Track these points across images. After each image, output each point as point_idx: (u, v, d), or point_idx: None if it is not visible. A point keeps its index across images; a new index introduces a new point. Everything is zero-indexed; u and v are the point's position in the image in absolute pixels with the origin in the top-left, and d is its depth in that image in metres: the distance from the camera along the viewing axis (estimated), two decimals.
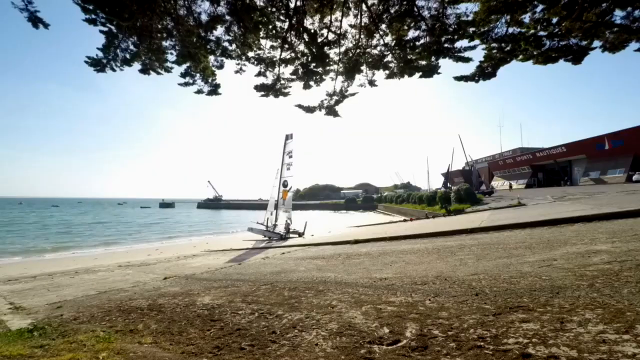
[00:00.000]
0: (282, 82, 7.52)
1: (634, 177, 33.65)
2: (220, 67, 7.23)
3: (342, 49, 7.16)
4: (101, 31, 5.99)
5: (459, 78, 7.10)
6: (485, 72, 6.84)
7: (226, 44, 6.76)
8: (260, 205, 70.77)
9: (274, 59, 7.20)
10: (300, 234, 23.71)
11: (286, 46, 6.93)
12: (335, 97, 7.79)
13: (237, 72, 7.22)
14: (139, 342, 3.00)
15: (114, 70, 6.54)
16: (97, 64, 6.39)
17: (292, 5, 6.38)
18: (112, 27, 5.97)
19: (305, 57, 7.07)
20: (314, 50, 6.86)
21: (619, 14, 5.59)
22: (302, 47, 6.99)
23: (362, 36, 6.94)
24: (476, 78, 6.95)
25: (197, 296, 4.63)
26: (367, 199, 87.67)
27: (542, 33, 6.16)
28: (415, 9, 6.28)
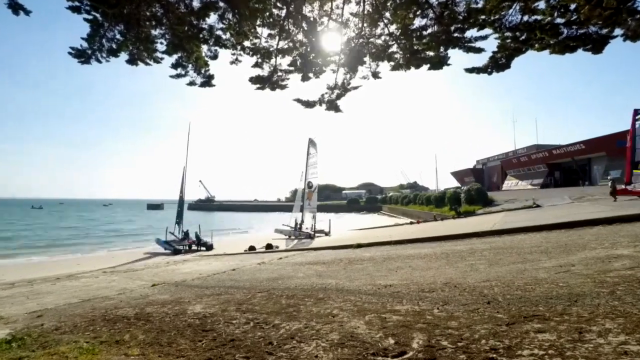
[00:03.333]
0: (279, 74, 7.51)
1: None
2: (214, 57, 7.23)
3: (344, 38, 7.15)
4: (85, 19, 5.98)
5: (470, 70, 7.09)
6: (498, 63, 6.83)
7: (220, 32, 6.75)
8: (257, 207, 70.88)
9: (271, 49, 7.19)
10: (327, 233, 25.04)
11: (284, 35, 6.92)
12: (336, 91, 7.78)
13: (232, 62, 7.21)
14: (125, 354, 2.99)
15: (99, 61, 6.53)
16: (82, 55, 6.38)
17: None
18: (98, 15, 5.96)
19: (304, 47, 7.06)
20: (313, 39, 6.85)
21: None
22: (300, 37, 6.97)
23: (365, 25, 6.93)
24: (489, 70, 6.93)
25: (187, 304, 4.62)
26: (370, 199, 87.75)
27: (559, 20, 6.15)
28: None
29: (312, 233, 25.04)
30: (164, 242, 23.07)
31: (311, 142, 27.52)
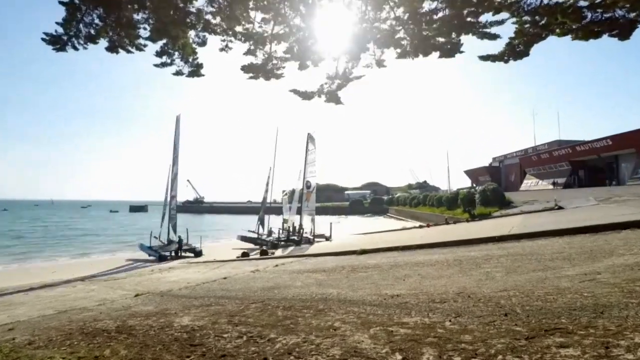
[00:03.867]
0: (274, 62, 7.51)
1: None
2: (203, 44, 7.22)
3: (346, 23, 7.15)
4: (61, 2, 5.97)
5: (485, 58, 7.09)
6: (516, 50, 6.83)
7: (209, 16, 6.75)
8: (250, 209, 70.81)
9: (265, 35, 7.19)
10: (327, 238, 25.01)
11: (279, 19, 6.92)
12: (337, 81, 7.78)
13: (222, 49, 7.21)
14: None
15: (76, 48, 6.53)
16: (57, 42, 6.37)
17: None
18: None
19: (302, 33, 7.06)
20: (311, 24, 6.84)
21: None
22: (297, 21, 6.97)
23: (368, 8, 6.92)
24: (505, 58, 6.93)
25: (174, 316, 4.62)
26: (375, 200, 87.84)
27: (582, 3, 6.15)
28: None
29: (312, 238, 25.05)
30: (148, 248, 23.08)
31: (310, 138, 27.42)
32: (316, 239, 25.10)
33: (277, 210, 34.64)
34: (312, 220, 26.54)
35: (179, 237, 23.96)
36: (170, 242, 23.91)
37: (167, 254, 22.54)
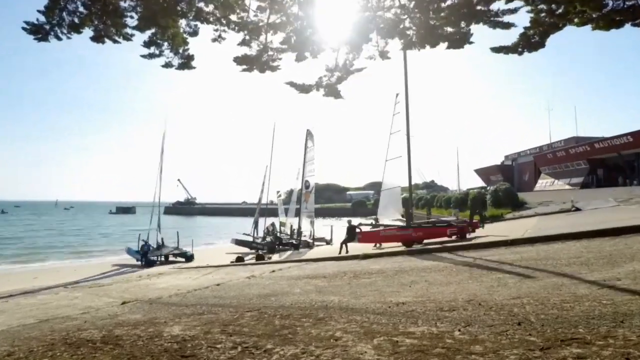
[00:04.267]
0: (270, 53, 7.50)
1: None
2: (194, 34, 7.22)
3: (347, 11, 7.14)
4: None
5: (497, 49, 7.09)
6: (531, 41, 6.82)
7: (202, 4, 6.75)
8: (246, 211, 70.95)
9: (260, 24, 7.18)
10: (328, 242, 25.10)
11: (275, 7, 6.91)
12: (337, 73, 7.78)
13: (215, 40, 7.21)
14: None
15: (59, 38, 6.53)
16: (38, 31, 6.37)
17: None
18: None
19: (300, 22, 7.05)
20: (310, 12, 6.84)
21: None
22: (295, 9, 6.96)
23: None
24: (519, 49, 6.93)
25: (164, 325, 4.62)
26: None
27: None
28: None
29: (311, 242, 25.03)
30: (136, 252, 23.09)
31: (309, 134, 27.40)
32: (316, 243, 25.09)
33: (274, 212, 34.69)
34: (312, 223, 26.45)
35: (161, 239, 24.24)
36: (160, 246, 23.91)
37: (155, 258, 22.55)
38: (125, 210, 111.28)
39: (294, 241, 25.37)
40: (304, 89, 7.86)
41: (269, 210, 31.86)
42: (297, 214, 28.02)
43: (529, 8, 6.53)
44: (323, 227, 30.94)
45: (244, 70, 7.68)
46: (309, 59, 7.48)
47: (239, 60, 7.49)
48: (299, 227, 26.30)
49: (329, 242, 25.49)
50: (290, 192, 35.40)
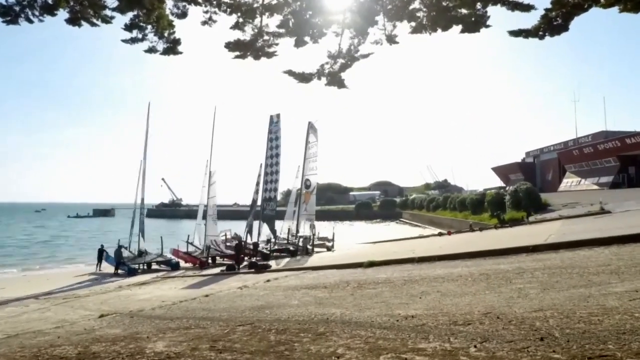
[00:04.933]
0: (266, 37, 7.49)
1: None
2: (182, 15, 7.21)
3: None
4: None
5: (516, 33, 7.07)
6: (553, 24, 6.80)
7: None
8: (237, 214, 71.04)
9: (255, 5, 7.17)
10: (329, 248, 25.14)
11: None
12: (340, 60, 7.76)
13: (204, 23, 7.20)
14: None
15: (30, 21, 6.52)
16: (7, 13, 6.36)
17: None
18: None
19: (298, 3, 7.04)
20: None
21: None
22: None
23: None
24: (540, 33, 6.91)
25: (146, 341, 4.63)
26: (386, 203, 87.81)
27: None
28: None
29: (310, 248, 24.99)
30: (115, 260, 23.10)
31: (311, 128, 26.78)
32: (315, 249, 25.05)
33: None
34: (312, 227, 26.28)
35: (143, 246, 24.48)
36: (141, 252, 23.93)
37: (137, 266, 22.58)
38: (104, 212, 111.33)
39: (291, 247, 25.35)
40: (303, 77, 7.84)
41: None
42: (295, 216, 27.87)
43: None
44: (324, 229, 30.94)
45: (236, 57, 7.66)
46: (309, 45, 7.46)
47: (231, 45, 7.48)
48: (297, 231, 26.26)
49: (330, 248, 25.38)
50: (288, 193, 35.36)
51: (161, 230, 36.26)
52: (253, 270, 14.97)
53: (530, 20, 7.02)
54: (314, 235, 25.96)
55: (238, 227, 33.37)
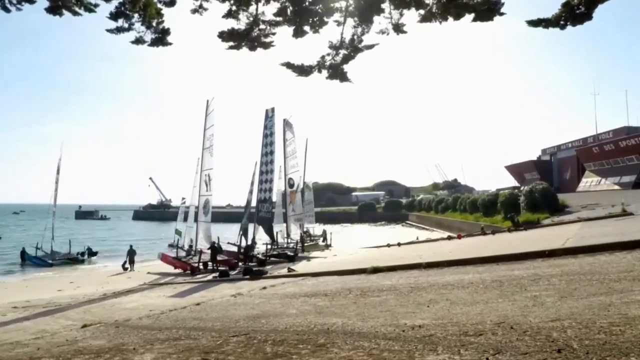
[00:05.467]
0: (262, 26, 7.49)
1: None
2: (171, 3, 7.22)
3: None
4: None
5: (534, 22, 7.06)
6: (575, 12, 6.79)
7: None
8: (230, 216, 71.15)
9: None
10: (327, 246, 25.43)
11: None
12: (342, 51, 7.76)
13: (195, 11, 7.20)
14: None
15: (6, 9, 6.53)
16: None
17: None
18: None
19: None
20: None
21: None
22: None
23: None
24: (562, 22, 6.89)
25: (133, 353, 4.63)
26: (391, 204, 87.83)
27: None
28: None
29: (296, 249, 25.10)
30: (35, 258, 29.68)
31: (287, 124, 27.90)
32: (312, 253, 25.29)
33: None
34: (301, 226, 26.52)
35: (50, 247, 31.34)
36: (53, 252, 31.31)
37: (50, 261, 29.19)
38: (87, 214, 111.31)
39: (288, 252, 25.44)
40: (303, 70, 7.84)
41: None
42: (285, 219, 28.29)
43: None
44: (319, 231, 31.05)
45: (230, 47, 7.66)
46: (308, 35, 7.45)
47: (224, 35, 7.47)
48: (288, 235, 26.48)
49: (327, 246, 25.74)
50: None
51: (150, 234, 36.23)
52: (247, 276, 14.93)
53: (550, 8, 6.97)
54: (305, 234, 26.22)
55: (231, 230, 33.36)
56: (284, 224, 28.19)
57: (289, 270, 15.71)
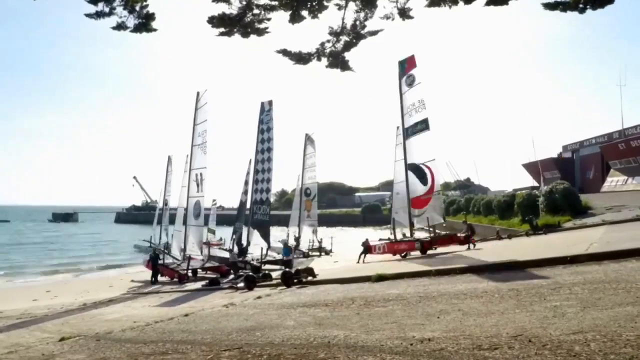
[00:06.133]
0: (256, 11, 7.48)
1: None
2: None
3: None
4: None
5: (552, 6, 7.07)
6: None
7: None
8: (222, 218, 71.35)
9: None
10: (327, 252, 28.20)
11: None
12: (343, 38, 7.76)
13: None
14: None
15: None
16: None
17: None
18: None
19: None
20: None
21: None
22: None
23: None
24: (581, 6, 6.91)
25: None
26: None
27: None
28: None
29: (306, 251, 26.65)
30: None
31: (308, 139, 30.91)
32: (311, 253, 26.72)
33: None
34: (314, 232, 29.56)
35: None
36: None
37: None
38: (65, 217, 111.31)
39: (284, 258, 25.63)
40: (300, 58, 7.84)
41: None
42: (298, 223, 31.30)
43: None
44: (325, 239, 31.40)
45: (221, 34, 7.66)
46: (306, 20, 7.45)
47: (215, 20, 7.47)
48: (299, 237, 28.42)
49: (328, 253, 27.33)
50: (283, 194, 37.15)
51: (129, 237, 36.19)
52: (246, 287, 14.62)
53: None
54: (318, 242, 28.35)
55: (223, 234, 33.38)
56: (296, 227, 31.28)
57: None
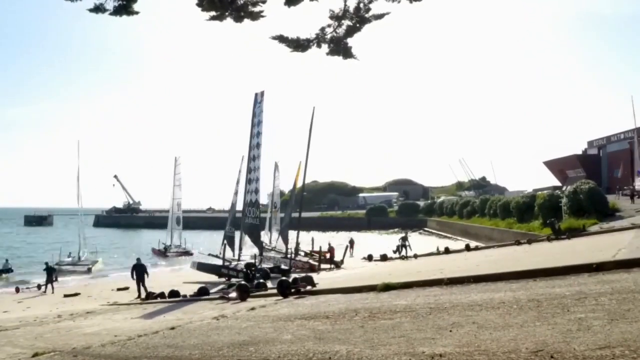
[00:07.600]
0: None
1: None
2: None
3: None
4: None
5: None
6: None
7: None
8: (212, 222, 71.34)
9: None
10: (338, 265, 27.09)
11: None
12: (346, 22, 7.76)
13: None
14: None
15: None
16: None
17: None
18: None
19: None
20: None
21: None
22: None
23: None
24: None
25: None
26: (406, 208, 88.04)
27: None
28: None
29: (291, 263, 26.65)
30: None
31: (276, 168, 34.14)
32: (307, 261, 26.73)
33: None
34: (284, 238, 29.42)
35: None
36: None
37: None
38: (39, 220, 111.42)
39: (282, 265, 25.67)
40: (298, 44, 7.83)
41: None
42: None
43: None
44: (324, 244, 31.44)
45: (212, 18, 7.66)
46: (304, 2, 7.45)
47: (205, 3, 7.48)
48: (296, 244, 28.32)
49: (338, 266, 27.06)
50: (281, 195, 36.60)
51: (112, 242, 36.32)
52: (238, 297, 14.67)
53: None
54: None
55: (212, 239, 33.38)
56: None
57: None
